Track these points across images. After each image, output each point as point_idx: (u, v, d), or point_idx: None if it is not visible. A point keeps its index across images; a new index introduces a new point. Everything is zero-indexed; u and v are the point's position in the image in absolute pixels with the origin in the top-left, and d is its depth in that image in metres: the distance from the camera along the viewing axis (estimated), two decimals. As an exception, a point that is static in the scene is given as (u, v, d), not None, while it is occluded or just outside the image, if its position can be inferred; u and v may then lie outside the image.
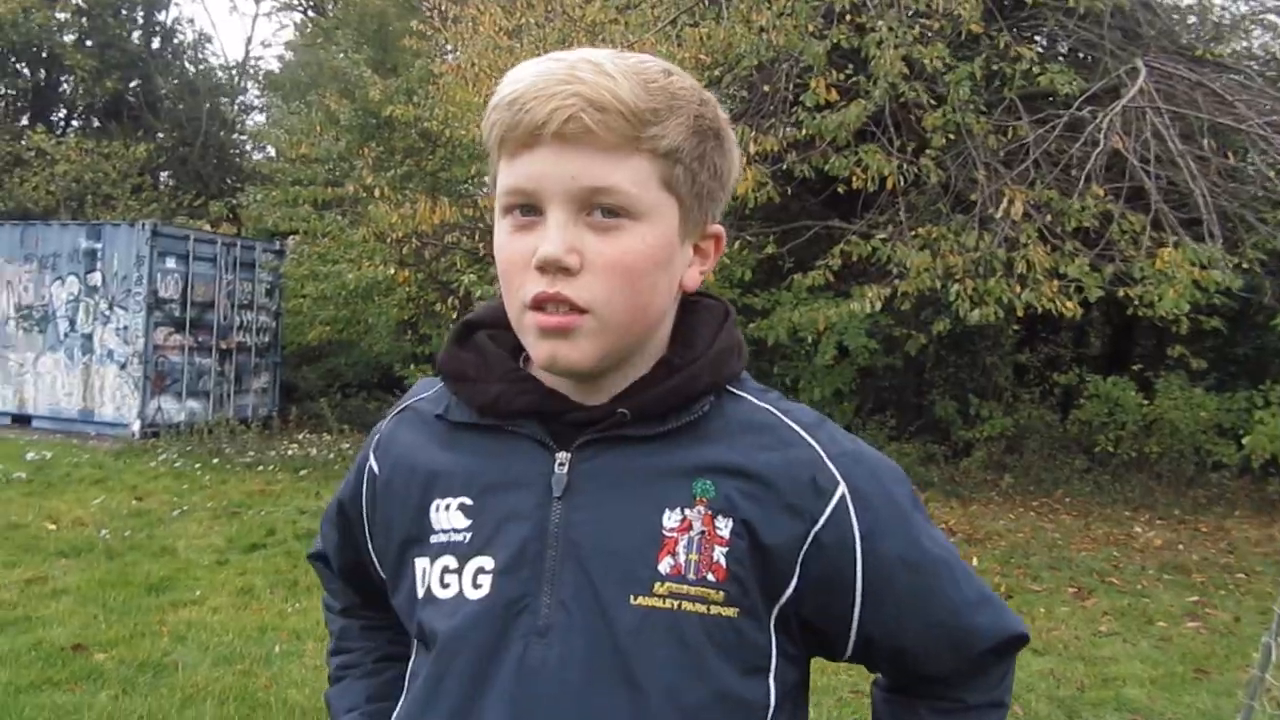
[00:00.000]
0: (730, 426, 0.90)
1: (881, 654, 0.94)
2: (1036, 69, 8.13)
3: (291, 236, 11.90)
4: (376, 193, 8.95)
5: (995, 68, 8.39)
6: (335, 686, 1.10)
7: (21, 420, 11.10)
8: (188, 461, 8.98)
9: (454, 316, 8.65)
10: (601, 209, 0.82)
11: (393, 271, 8.81)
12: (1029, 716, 3.87)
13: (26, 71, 19.36)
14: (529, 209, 0.84)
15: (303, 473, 8.77)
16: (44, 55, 19.09)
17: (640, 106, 0.81)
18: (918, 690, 0.98)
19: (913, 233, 7.93)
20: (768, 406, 0.92)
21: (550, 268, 0.82)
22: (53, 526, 6.30)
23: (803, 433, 0.90)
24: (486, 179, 9.60)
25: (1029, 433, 10.34)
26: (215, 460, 9.12)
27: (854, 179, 7.81)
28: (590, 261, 0.82)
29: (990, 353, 10.74)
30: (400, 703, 0.95)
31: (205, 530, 6.46)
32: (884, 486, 0.91)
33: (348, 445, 9.98)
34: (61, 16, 18.55)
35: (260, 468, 8.92)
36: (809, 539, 0.87)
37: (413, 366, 9.90)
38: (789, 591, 0.88)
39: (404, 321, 10.98)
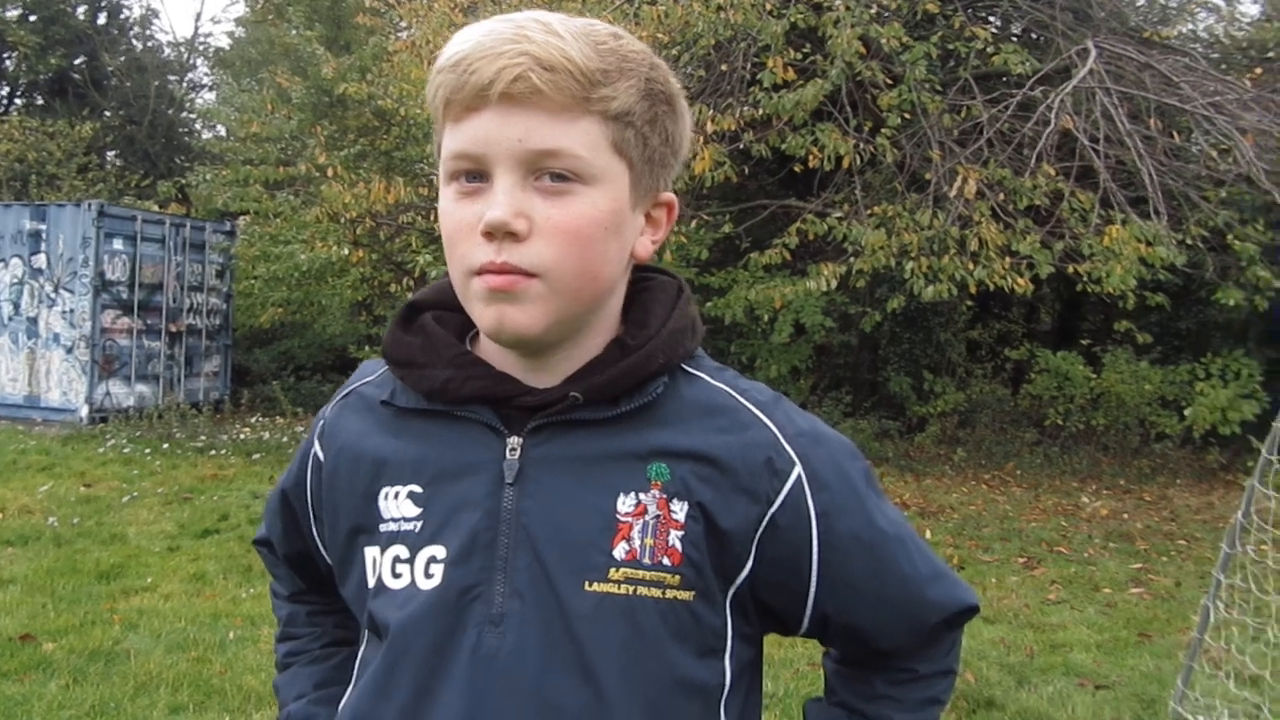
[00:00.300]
0: (685, 408, 0.89)
1: (836, 630, 0.95)
2: (991, 49, 8.22)
3: (242, 217, 11.66)
4: (329, 172, 8.79)
5: (950, 47, 8.46)
6: (283, 674, 1.09)
7: (-37, 407, 10.79)
8: (137, 447, 8.81)
9: (408, 297, 8.55)
10: (550, 174, 0.80)
11: (346, 252, 8.68)
12: (980, 683, 3.96)
13: (-34, 47, 18.65)
14: (475, 175, 0.82)
15: (255, 457, 8.65)
16: (-16, 31, 18.40)
17: (590, 66, 0.79)
18: (871, 663, 0.99)
19: (868, 211, 8.01)
20: (724, 386, 0.91)
21: (497, 232, 0.79)
22: (-2, 515, 6.15)
23: (759, 413, 0.90)
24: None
25: (981, 407, 10.53)
26: (165, 445, 8.96)
27: (810, 158, 7.86)
28: (539, 227, 0.80)
29: (944, 329, 10.90)
30: (350, 690, 0.94)
31: (156, 516, 6.35)
32: (840, 466, 0.91)
33: (301, 429, 9.86)
34: (3, -9, 17.91)
35: (212, 452, 8.78)
36: (764, 521, 0.87)
37: (367, 348, 9.79)
38: (744, 573, 0.88)
39: (358, 303, 10.85)
